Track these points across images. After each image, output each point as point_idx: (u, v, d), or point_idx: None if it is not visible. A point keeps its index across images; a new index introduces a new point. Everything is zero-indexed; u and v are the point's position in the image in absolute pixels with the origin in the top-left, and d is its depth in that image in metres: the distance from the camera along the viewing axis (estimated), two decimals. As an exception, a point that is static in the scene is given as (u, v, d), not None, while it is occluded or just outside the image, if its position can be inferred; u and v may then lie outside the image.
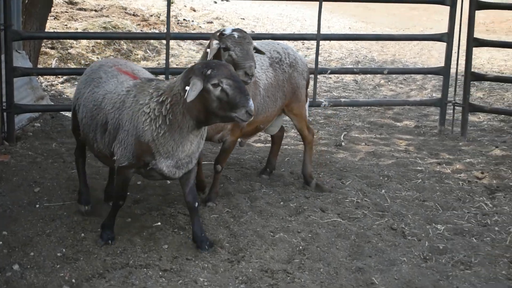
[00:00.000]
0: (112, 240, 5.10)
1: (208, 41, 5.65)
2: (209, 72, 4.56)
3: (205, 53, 5.59)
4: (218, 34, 5.47)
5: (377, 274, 4.84)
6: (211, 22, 16.06)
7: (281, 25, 18.58)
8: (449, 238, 5.51)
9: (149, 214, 5.69)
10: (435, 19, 24.21)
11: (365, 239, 5.42)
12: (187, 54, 12.75)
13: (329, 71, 9.11)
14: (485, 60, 15.10)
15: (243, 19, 18.01)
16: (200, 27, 15.49)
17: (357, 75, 12.47)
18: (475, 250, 5.27)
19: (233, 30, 5.46)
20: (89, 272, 4.66)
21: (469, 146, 8.32)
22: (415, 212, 6.04)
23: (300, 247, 5.24)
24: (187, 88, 4.53)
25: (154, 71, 7.98)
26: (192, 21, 15.69)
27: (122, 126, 4.88)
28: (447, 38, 8.74)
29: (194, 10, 16.84)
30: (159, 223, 5.47)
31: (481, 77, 9.39)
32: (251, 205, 6.03)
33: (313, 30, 17.92)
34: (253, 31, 16.56)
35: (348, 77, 12.76)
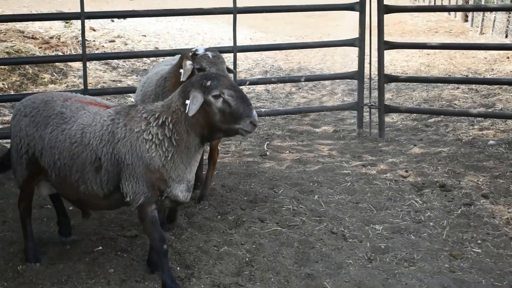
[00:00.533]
0: None
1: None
2: (209, 83, 4.47)
3: (175, 73, 5.60)
4: (191, 54, 5.46)
5: (327, 278, 5.00)
6: (113, 41, 15.90)
7: (183, 40, 18.64)
8: (389, 237, 5.78)
9: (88, 239, 5.59)
10: (331, 25, 25.11)
11: (308, 245, 5.58)
12: (94, 74, 12.56)
13: (247, 82, 9.30)
14: (388, 62, 15.76)
15: (145, 36, 17.92)
16: (103, 46, 15.32)
17: (268, 84, 12.75)
18: (415, 246, 5.56)
19: (206, 50, 5.48)
20: (35, 304, 4.56)
21: (389, 147, 8.71)
22: (351, 215, 6.28)
23: (247, 259, 5.32)
24: (187, 102, 4.43)
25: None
26: (94, 40, 15.48)
27: (123, 161, 4.62)
28: (358, 43, 9.13)
29: (94, 30, 16.60)
30: (100, 248, 5.39)
31: (394, 79, 9.86)
32: (189, 221, 6.06)
33: (215, 43, 18.33)
34: (157, 48, 16.57)
35: (259, 87, 13.01)
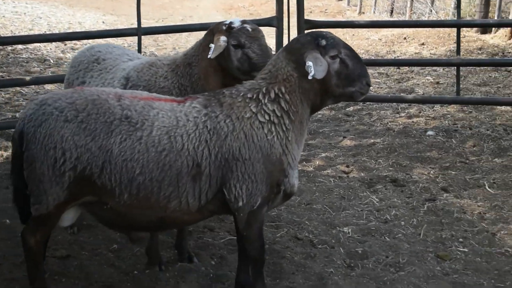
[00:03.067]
0: None
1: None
2: (324, 42, 4.43)
3: (203, 55, 5.25)
4: (225, 28, 5.15)
5: (315, 292, 5.02)
6: None
7: (25, 25, 17.78)
8: (362, 240, 5.88)
9: (11, 262, 5.27)
10: (189, 5, 25.21)
11: (276, 254, 5.56)
12: None
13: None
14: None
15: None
16: None
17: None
18: (394, 249, 5.70)
19: (242, 21, 5.20)
20: None
21: (316, 140, 8.89)
22: (308, 218, 6.33)
23: (211, 275, 5.23)
24: (310, 63, 4.33)
25: None
26: None
27: (235, 159, 4.38)
28: (276, 22, 9.18)
29: None
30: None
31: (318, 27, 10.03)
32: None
33: (64, 29, 17.63)
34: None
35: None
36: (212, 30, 5.25)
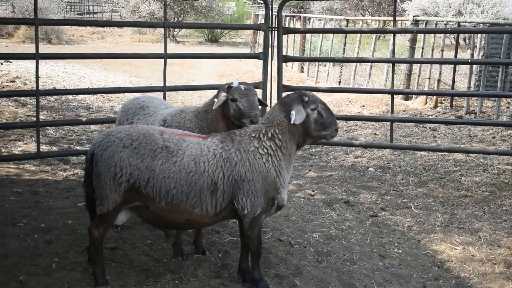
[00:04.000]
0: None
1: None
2: (307, 99, 4.67)
3: (210, 102, 5.42)
4: (226, 86, 5.33)
5: (295, 277, 5.18)
6: (14, 81, 14.77)
7: (73, 82, 17.72)
8: (326, 243, 6.06)
9: (74, 251, 5.33)
10: (191, 72, 25.34)
11: (265, 251, 5.67)
12: (9, 109, 11.68)
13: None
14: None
15: (40, 77, 16.91)
16: (7, 85, 14.25)
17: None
18: (349, 249, 5.88)
19: (240, 83, 5.35)
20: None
21: (289, 171, 8.99)
22: (287, 226, 6.49)
23: (219, 264, 5.37)
24: (293, 113, 4.59)
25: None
26: (-3, 80, 14.44)
27: (242, 180, 4.55)
28: (262, 85, 9.34)
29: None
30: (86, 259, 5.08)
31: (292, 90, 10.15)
32: (154, 233, 5.93)
33: (100, 85, 17.53)
34: (54, 87, 15.58)
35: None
36: (219, 88, 5.43)
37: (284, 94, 9.22)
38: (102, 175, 4.50)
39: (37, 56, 7.55)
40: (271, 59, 9.38)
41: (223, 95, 5.26)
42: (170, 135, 4.67)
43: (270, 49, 9.31)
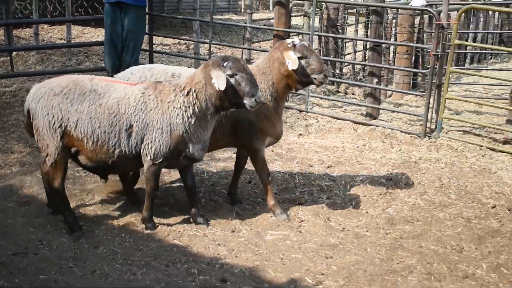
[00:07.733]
0: (155, 228, 5.07)
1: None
2: (225, 64, 4.57)
3: (273, 66, 5.21)
4: (290, 45, 5.13)
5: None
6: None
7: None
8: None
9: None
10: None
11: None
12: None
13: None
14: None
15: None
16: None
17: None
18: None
19: (300, 40, 5.26)
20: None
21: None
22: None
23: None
24: (214, 80, 4.53)
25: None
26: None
27: (152, 126, 4.66)
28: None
29: None
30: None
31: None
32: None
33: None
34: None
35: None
36: (276, 48, 5.22)
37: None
38: (40, 127, 4.74)
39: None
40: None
41: (292, 53, 5.04)
42: (99, 81, 4.84)
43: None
